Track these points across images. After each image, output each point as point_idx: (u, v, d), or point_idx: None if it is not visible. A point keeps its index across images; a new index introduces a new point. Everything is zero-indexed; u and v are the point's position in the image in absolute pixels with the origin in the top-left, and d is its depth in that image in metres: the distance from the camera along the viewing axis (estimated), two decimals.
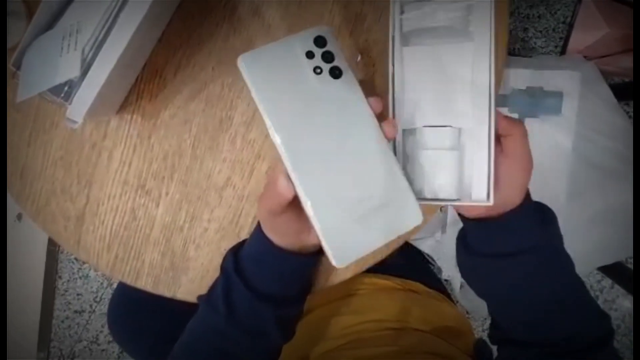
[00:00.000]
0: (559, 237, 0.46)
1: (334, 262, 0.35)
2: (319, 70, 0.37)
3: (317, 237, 0.36)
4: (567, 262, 0.46)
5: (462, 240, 0.48)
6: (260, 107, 0.36)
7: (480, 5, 0.38)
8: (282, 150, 0.36)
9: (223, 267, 0.47)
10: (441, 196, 0.41)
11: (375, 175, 0.37)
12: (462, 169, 0.41)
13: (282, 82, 0.37)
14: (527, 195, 0.44)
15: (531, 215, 0.44)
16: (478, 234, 0.46)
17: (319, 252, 0.46)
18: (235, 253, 0.47)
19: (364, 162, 0.37)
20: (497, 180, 0.42)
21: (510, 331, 0.49)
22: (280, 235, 0.43)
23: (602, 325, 0.46)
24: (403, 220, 0.37)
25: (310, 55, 0.37)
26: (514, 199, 0.42)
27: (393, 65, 0.41)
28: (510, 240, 0.44)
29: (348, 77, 0.38)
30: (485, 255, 0.45)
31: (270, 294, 0.45)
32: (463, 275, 0.51)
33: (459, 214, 0.47)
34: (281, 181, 0.36)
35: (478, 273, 0.49)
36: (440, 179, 0.41)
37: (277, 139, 0.36)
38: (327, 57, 0.37)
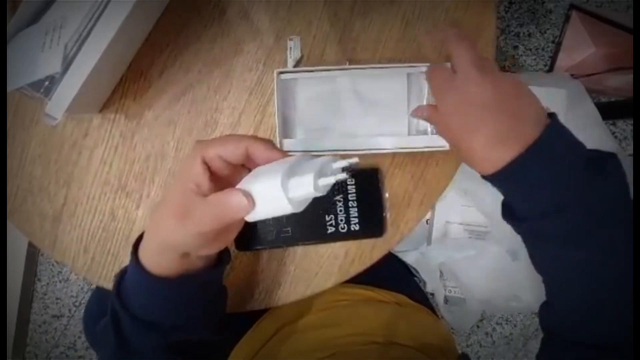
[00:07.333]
0: (612, 193, 0.36)
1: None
2: None
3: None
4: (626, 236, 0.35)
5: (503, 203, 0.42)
6: None
7: None
8: None
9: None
10: None
11: None
12: None
13: None
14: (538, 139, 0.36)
15: (544, 163, 0.36)
16: (505, 191, 0.40)
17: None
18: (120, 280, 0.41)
19: None
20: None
21: (559, 322, 0.41)
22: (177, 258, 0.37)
23: None
24: None
25: None
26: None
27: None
28: (529, 198, 0.37)
29: None
30: (515, 218, 0.39)
31: (155, 322, 0.40)
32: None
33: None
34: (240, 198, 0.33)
35: (523, 238, 0.41)
36: None
37: None
38: None
